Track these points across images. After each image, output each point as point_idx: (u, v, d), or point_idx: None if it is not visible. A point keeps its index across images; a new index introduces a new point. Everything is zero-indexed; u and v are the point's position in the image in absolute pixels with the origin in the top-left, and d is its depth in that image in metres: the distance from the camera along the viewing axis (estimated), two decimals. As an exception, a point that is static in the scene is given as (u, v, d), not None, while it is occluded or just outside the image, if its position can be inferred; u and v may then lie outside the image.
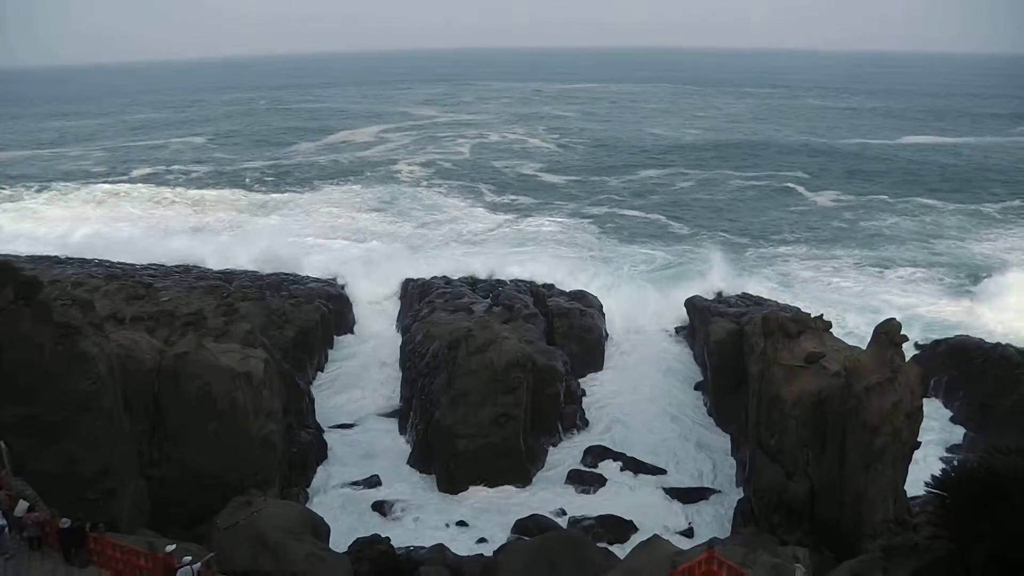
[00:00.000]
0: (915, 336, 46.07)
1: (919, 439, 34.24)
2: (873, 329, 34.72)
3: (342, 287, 65.40)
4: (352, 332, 62.14)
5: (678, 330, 59.61)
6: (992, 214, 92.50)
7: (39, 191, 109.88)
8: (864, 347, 35.31)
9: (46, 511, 25.58)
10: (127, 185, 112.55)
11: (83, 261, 69.52)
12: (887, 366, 32.47)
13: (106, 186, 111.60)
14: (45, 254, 71.56)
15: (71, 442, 31.44)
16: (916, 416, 33.32)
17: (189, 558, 23.17)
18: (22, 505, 24.59)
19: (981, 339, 52.14)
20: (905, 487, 33.47)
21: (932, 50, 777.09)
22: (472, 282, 64.45)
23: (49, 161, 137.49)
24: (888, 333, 33.55)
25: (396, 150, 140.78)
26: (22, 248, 72.01)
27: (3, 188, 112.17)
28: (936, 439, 44.77)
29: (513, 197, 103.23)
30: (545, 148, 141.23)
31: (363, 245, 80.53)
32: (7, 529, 23.98)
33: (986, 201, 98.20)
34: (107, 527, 26.06)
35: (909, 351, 41.86)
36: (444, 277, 65.38)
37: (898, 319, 35.11)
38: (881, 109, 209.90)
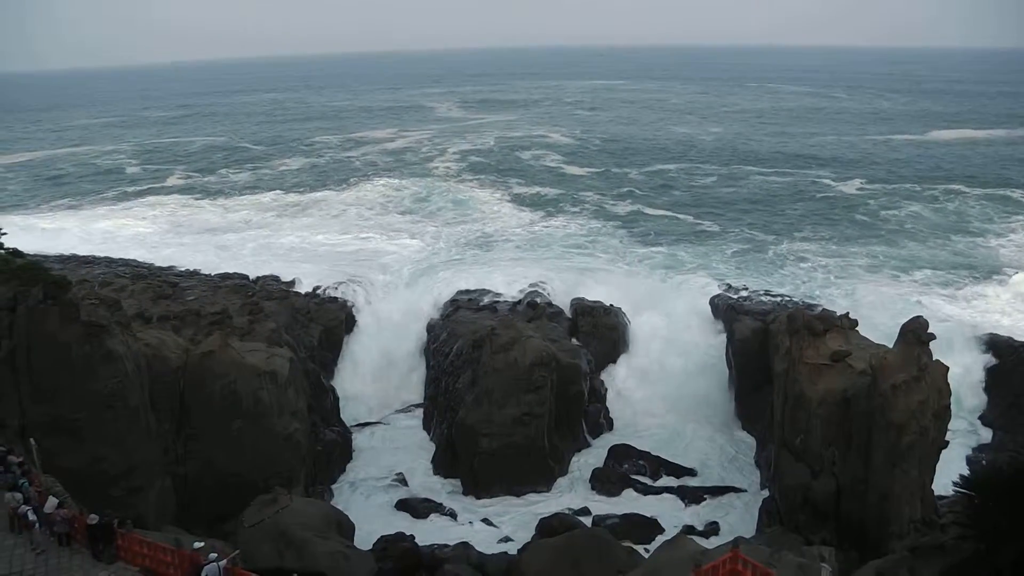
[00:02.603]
0: (943, 334, 45.26)
1: (947, 438, 33.90)
2: (900, 327, 34.37)
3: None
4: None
5: (702, 329, 59.05)
6: (1019, 200, 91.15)
7: (72, 191, 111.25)
8: (891, 345, 34.96)
9: (75, 507, 25.88)
10: (158, 187, 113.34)
11: (110, 261, 70.08)
12: (914, 364, 32.15)
13: (135, 188, 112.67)
14: (73, 254, 72.23)
15: (97, 440, 31.84)
16: (944, 415, 32.97)
17: (215, 555, 23.32)
18: (52, 501, 24.89)
19: (1011, 337, 51.31)
20: (933, 487, 33.16)
21: (969, 45, 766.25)
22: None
23: (85, 159, 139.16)
24: (915, 331, 33.20)
25: (421, 148, 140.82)
26: (50, 248, 72.62)
27: (43, 188, 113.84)
28: (965, 438, 44.28)
29: (540, 189, 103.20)
30: (568, 144, 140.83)
31: (388, 241, 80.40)
32: (38, 525, 24.30)
33: (1015, 186, 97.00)
34: (134, 524, 26.34)
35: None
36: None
37: (925, 317, 34.75)
38: (911, 104, 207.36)
